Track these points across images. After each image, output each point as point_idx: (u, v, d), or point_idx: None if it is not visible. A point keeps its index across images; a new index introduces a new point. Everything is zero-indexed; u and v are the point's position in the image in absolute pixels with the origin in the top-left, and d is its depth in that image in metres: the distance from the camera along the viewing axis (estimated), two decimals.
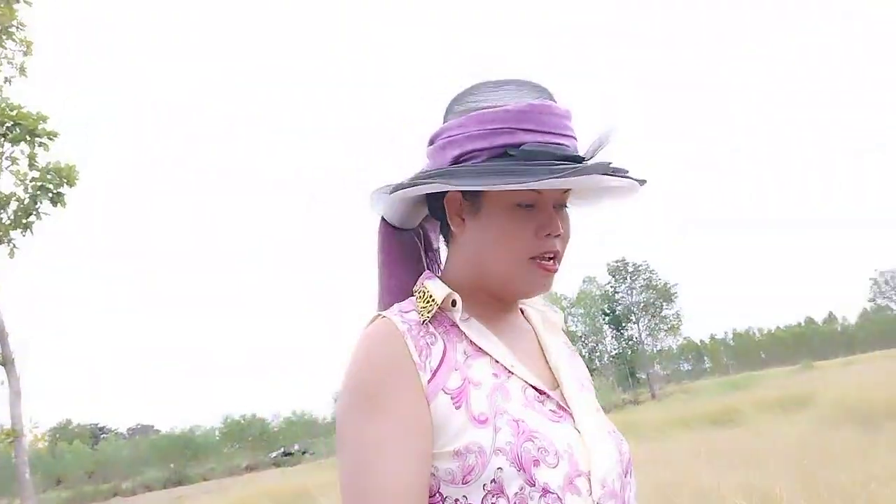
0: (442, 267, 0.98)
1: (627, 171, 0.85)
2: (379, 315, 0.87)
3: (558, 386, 0.89)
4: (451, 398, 0.80)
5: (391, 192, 0.90)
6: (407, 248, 0.98)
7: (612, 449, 0.86)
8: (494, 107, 0.85)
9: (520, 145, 0.82)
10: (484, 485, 0.76)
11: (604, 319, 61.40)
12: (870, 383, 15.85)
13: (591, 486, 0.79)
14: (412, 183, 0.86)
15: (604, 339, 62.91)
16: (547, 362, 0.93)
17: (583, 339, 62.85)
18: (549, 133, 0.83)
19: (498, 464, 0.76)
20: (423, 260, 0.99)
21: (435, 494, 0.79)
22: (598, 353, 62.05)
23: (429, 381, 0.80)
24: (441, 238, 0.98)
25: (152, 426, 78.72)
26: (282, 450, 60.37)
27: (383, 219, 0.96)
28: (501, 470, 0.75)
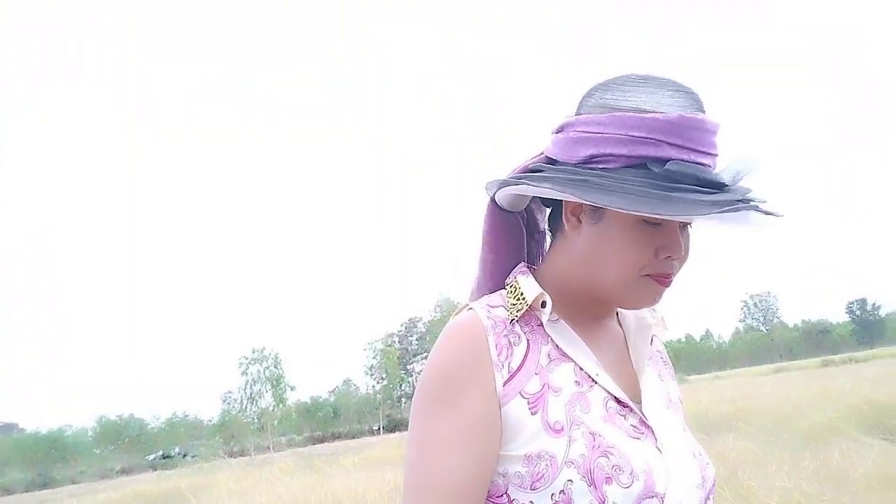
0: (545, 255, 0.95)
1: (770, 208, 0.78)
2: (467, 306, 0.85)
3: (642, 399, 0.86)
4: (528, 402, 0.78)
5: (506, 185, 0.85)
6: (512, 232, 0.94)
7: (694, 471, 0.81)
8: (642, 111, 0.77)
9: (663, 161, 0.75)
10: (552, 494, 0.74)
11: None
12: (721, 397, 17.33)
13: None
14: (537, 186, 0.81)
15: None
16: (634, 372, 0.89)
17: None
18: (695, 151, 0.76)
19: (568, 476, 0.73)
20: (526, 244, 0.96)
21: (503, 495, 0.77)
22: None
23: (505, 383, 0.78)
24: (547, 225, 0.95)
25: (16, 424, 73.53)
26: (160, 452, 57.83)
27: (493, 200, 0.92)
28: (572, 482, 0.73)
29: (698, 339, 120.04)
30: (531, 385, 0.79)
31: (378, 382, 66.33)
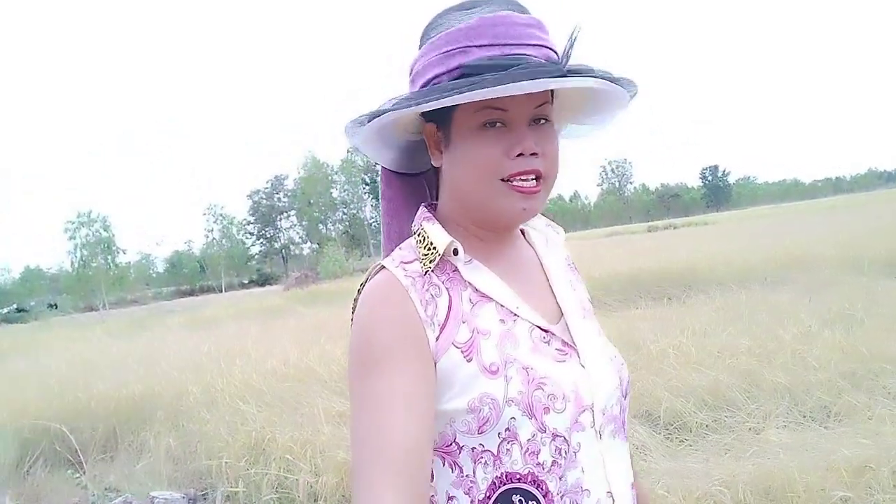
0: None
1: (593, 71, 0.78)
2: (381, 266, 0.84)
3: (562, 315, 0.89)
4: (462, 352, 0.79)
5: (362, 123, 0.85)
6: (413, 194, 0.95)
7: (613, 377, 0.86)
8: (449, 29, 0.80)
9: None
10: (499, 433, 0.77)
11: (364, 188, 63.55)
12: None
13: (594, 418, 0.81)
14: (378, 114, 0.82)
15: (364, 207, 65.47)
16: (552, 290, 0.92)
17: (344, 207, 64.86)
18: (509, 45, 0.77)
19: (511, 413, 0.77)
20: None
21: (451, 444, 0.79)
22: (357, 221, 64.52)
23: (437, 339, 0.79)
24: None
25: None
26: (14, 306, 56.00)
27: (384, 169, 0.95)
28: (514, 419, 0.77)
29: (568, 200, 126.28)
30: (461, 334, 0.80)
31: (220, 246, 66.54)
